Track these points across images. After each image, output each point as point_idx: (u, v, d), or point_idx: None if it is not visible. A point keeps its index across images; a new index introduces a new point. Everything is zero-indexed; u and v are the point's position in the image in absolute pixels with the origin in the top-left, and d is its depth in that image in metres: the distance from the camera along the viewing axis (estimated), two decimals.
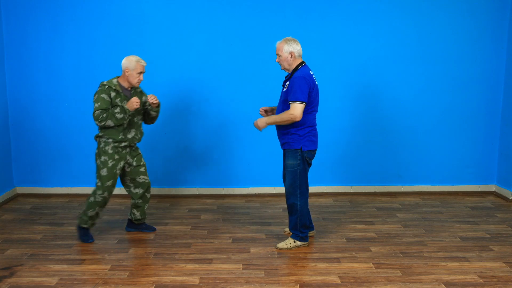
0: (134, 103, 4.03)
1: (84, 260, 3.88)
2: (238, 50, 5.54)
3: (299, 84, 3.80)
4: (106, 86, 4.07)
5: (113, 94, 4.06)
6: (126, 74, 4.09)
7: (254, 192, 5.77)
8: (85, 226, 4.25)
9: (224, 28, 5.52)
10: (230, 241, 4.31)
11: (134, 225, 4.52)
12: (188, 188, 5.75)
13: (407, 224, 4.74)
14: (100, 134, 4.15)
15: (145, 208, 4.47)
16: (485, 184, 5.89)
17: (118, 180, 4.69)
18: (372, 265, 3.79)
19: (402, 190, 5.86)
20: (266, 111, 4.21)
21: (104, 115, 4.00)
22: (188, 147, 5.69)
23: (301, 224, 4.07)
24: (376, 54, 5.60)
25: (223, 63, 5.55)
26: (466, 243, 4.24)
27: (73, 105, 5.60)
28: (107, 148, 4.13)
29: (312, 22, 5.52)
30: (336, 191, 5.84)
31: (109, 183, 4.13)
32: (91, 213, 4.19)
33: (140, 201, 4.41)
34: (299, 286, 3.44)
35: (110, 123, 4.03)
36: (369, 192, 5.84)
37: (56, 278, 3.55)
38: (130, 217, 4.48)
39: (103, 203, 4.19)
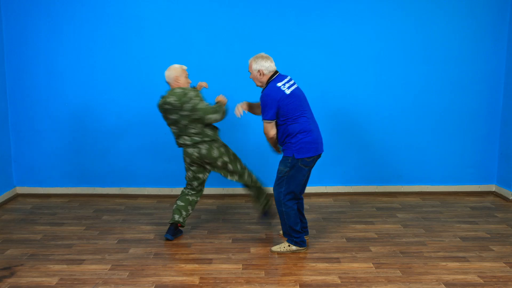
0: None
1: (84, 260, 3.88)
2: (238, 50, 5.54)
3: (263, 103, 3.87)
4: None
5: None
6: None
7: None
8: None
9: (224, 28, 5.52)
10: (230, 241, 4.31)
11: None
12: None
13: (407, 224, 4.74)
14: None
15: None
16: (485, 184, 5.88)
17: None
18: (372, 265, 3.79)
19: (402, 190, 5.86)
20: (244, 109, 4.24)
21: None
22: None
23: (291, 230, 4.03)
24: (376, 54, 5.60)
25: (223, 63, 5.55)
26: (466, 243, 4.24)
27: (73, 105, 5.60)
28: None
29: (311, 22, 5.52)
30: (336, 191, 5.84)
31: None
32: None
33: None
34: (299, 286, 3.44)
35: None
36: (369, 192, 5.84)
37: (56, 278, 3.56)
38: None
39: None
